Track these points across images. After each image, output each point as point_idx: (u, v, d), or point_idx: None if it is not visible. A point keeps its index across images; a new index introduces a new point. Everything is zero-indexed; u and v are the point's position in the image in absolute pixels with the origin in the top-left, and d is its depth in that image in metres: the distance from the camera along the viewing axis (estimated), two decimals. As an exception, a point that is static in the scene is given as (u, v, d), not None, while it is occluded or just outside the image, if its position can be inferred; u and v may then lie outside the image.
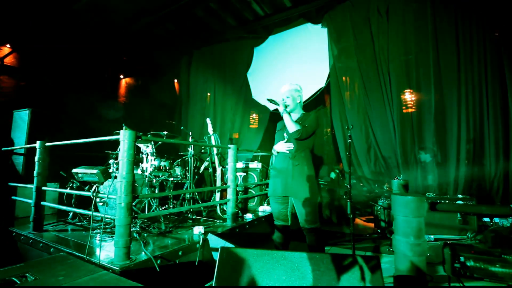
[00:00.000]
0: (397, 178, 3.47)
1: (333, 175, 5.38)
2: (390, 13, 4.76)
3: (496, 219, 3.37)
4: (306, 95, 5.65)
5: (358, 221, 4.88)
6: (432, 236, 3.27)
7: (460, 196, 3.67)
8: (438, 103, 4.33)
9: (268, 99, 2.33)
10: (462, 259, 1.22)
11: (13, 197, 3.52)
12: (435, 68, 4.36)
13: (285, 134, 2.35)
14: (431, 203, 1.35)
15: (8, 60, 5.18)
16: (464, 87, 4.13)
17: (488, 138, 3.96)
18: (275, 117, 5.15)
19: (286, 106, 2.33)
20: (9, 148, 3.96)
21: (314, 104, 5.94)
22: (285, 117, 2.26)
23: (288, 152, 2.31)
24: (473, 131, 4.07)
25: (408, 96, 4.74)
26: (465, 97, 4.12)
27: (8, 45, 5.15)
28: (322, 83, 5.54)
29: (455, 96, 4.20)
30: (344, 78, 5.31)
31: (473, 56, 4.11)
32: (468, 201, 3.43)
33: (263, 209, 4.12)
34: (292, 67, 6.01)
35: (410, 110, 4.69)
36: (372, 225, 4.37)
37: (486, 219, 3.43)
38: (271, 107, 5.97)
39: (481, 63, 4.05)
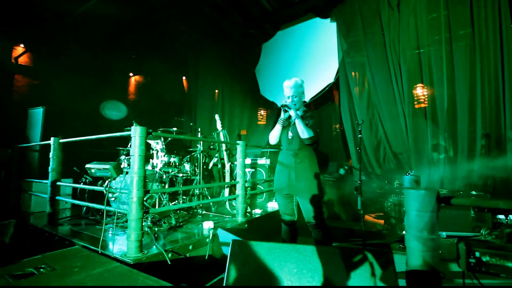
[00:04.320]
0: (408, 174, 3.41)
1: (342, 171, 5.33)
2: (401, 5, 4.64)
3: (511, 216, 3.27)
4: (315, 90, 5.60)
5: (368, 217, 4.83)
6: (444, 233, 3.21)
7: (474, 192, 3.58)
8: (452, 97, 4.22)
9: (281, 106, 2.26)
10: (477, 254, 1.19)
11: (29, 192, 3.63)
12: (448, 61, 4.25)
13: (290, 133, 2.32)
14: (445, 198, 1.32)
15: (22, 60, 5.31)
16: (479, 80, 4.00)
17: (504, 133, 3.83)
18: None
19: (296, 109, 2.27)
20: (25, 144, 4.08)
21: (323, 99, 5.89)
22: (298, 123, 2.19)
23: (291, 150, 2.29)
24: (489, 126, 3.95)
25: (420, 91, 4.63)
26: (480, 91, 3.99)
27: (22, 45, 5.27)
28: (331, 79, 5.47)
29: (470, 89, 4.07)
30: (353, 73, 5.23)
31: (489, 48, 3.96)
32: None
33: (272, 205, 4.13)
34: (300, 63, 5.96)
35: (422, 105, 4.59)
36: (382, 221, 4.32)
37: (501, 216, 3.34)
38: (279, 103, 5.95)
39: (497, 54, 3.91)
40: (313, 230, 2.27)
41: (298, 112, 2.27)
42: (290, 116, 2.29)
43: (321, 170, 2.39)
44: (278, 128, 2.33)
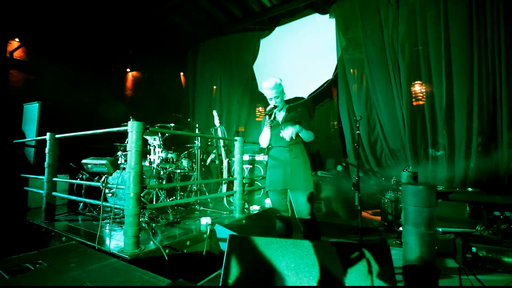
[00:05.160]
0: (406, 170, 3.42)
1: (339, 168, 5.35)
2: (400, 2, 4.62)
3: (507, 213, 3.30)
4: (314, 87, 5.59)
5: (365, 214, 4.86)
6: (440, 229, 3.24)
7: (470, 189, 3.60)
8: (449, 94, 4.23)
9: (267, 113, 2.27)
10: (474, 249, 1.20)
11: (26, 188, 3.61)
12: (447, 58, 4.25)
13: (282, 131, 2.30)
14: (443, 193, 1.33)
15: (17, 54, 5.23)
16: (476, 77, 4.01)
17: (501, 130, 3.86)
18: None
19: (280, 109, 2.35)
20: (21, 140, 4.04)
21: (322, 96, 5.88)
22: (303, 134, 2.24)
23: (285, 146, 2.31)
24: (486, 123, 3.97)
25: (418, 88, 4.64)
26: (477, 88, 4.00)
27: (17, 39, 5.19)
28: (329, 75, 5.46)
29: (467, 86, 4.08)
30: (352, 69, 5.22)
31: (487, 45, 3.97)
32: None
33: (269, 201, 4.13)
34: (299, 59, 5.93)
35: (420, 102, 4.60)
36: (379, 218, 4.35)
37: (496, 213, 3.36)
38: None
39: (495, 51, 3.91)
40: (303, 225, 2.28)
41: (279, 108, 2.34)
42: (275, 117, 2.34)
43: (313, 165, 2.45)
44: (267, 131, 2.34)
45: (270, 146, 2.46)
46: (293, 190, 2.29)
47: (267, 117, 2.30)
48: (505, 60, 3.84)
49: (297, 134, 2.25)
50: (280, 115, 2.42)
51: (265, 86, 2.34)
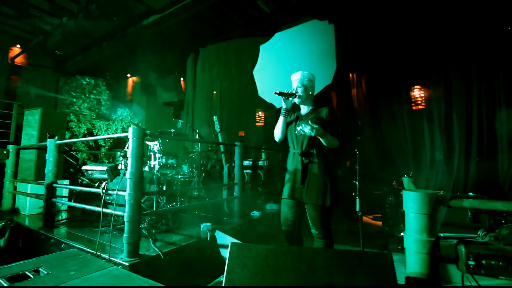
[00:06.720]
0: (406, 176, 3.42)
1: (340, 172, 5.34)
2: (399, 7, 4.66)
3: (509, 218, 3.28)
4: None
5: (366, 219, 4.83)
6: (441, 234, 3.22)
7: (471, 194, 3.58)
8: (449, 98, 4.25)
9: (280, 92, 2.02)
10: (476, 256, 1.19)
11: (25, 194, 3.59)
12: (445, 62, 4.27)
13: (298, 130, 1.99)
14: (444, 199, 1.32)
15: (18, 60, 5.27)
16: (475, 81, 4.03)
17: (500, 134, 3.86)
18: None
19: (300, 100, 2.04)
20: (21, 146, 4.04)
21: (321, 101, 5.89)
22: (325, 139, 1.91)
23: (298, 149, 2.05)
24: (486, 127, 3.97)
25: (418, 93, 4.66)
26: (476, 92, 4.02)
27: (18, 46, 5.24)
28: (328, 80, 5.48)
29: (466, 91, 4.10)
30: (351, 74, 5.25)
31: (485, 49, 3.99)
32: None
33: (270, 207, 4.12)
34: (298, 64, 5.96)
35: (420, 106, 4.62)
36: (380, 223, 4.33)
37: (498, 217, 3.34)
38: (277, 104, 5.95)
39: (494, 56, 3.94)
40: (315, 239, 2.04)
41: (300, 100, 2.00)
42: (291, 108, 2.08)
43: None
44: (280, 120, 2.08)
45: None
46: (304, 200, 1.99)
47: (283, 102, 2.03)
48: (503, 62, 3.86)
49: (315, 138, 1.93)
50: (303, 110, 2.15)
51: (292, 77, 2.17)
